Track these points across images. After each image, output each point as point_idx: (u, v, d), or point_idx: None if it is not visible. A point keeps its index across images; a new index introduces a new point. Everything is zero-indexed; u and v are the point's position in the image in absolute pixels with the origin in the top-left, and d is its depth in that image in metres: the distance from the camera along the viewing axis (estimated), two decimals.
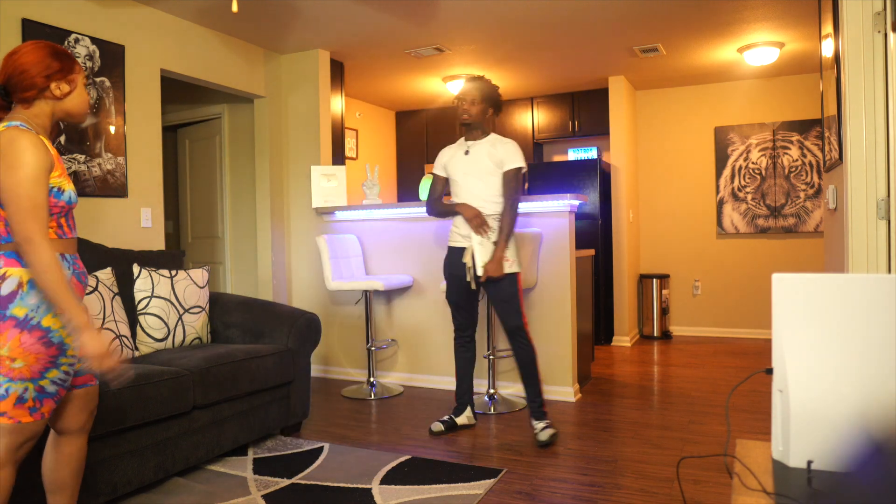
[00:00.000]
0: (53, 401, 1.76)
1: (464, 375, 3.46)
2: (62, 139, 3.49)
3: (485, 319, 4.23)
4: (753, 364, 4.98)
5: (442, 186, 3.42)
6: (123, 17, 3.85)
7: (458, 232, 3.28)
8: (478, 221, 3.15)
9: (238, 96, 5.04)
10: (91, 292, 2.84)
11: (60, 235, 1.78)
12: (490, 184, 3.21)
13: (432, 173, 3.44)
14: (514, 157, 3.20)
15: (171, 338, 3.19)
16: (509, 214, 3.18)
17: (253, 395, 3.08)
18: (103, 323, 2.85)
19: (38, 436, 1.77)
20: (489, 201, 3.21)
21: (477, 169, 3.22)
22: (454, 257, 3.30)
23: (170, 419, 2.65)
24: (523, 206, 4.08)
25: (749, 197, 6.19)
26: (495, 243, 3.16)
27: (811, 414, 1.18)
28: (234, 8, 3.04)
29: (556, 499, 2.52)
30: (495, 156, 3.21)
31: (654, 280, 6.26)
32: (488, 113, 3.31)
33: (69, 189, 1.79)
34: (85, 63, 3.61)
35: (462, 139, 3.38)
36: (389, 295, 4.60)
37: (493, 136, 3.30)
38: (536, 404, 3.25)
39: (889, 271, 2.38)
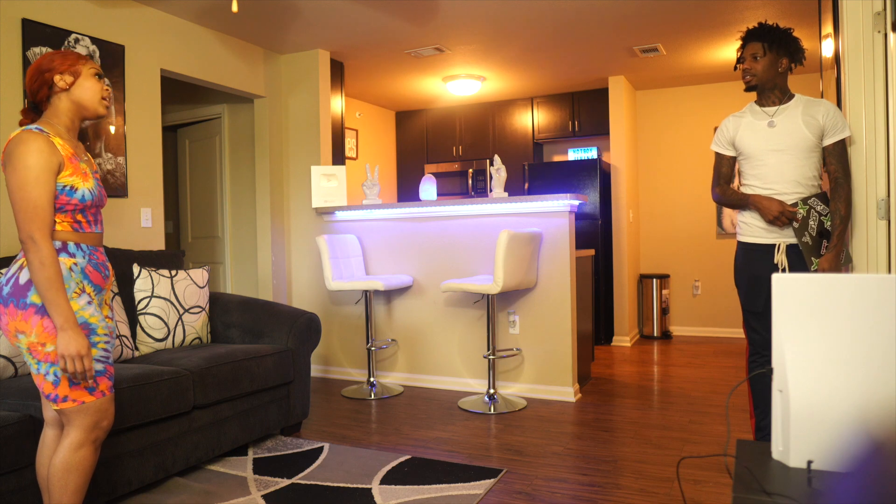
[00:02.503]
0: (107, 378, 1.87)
1: (769, 408, 2.48)
2: None
3: (485, 319, 4.23)
4: None
5: (729, 168, 2.71)
6: (123, 17, 3.85)
7: (760, 225, 2.59)
8: (784, 221, 2.50)
9: (238, 96, 5.03)
10: None
11: (76, 229, 1.87)
12: (809, 162, 2.50)
13: (715, 151, 2.75)
14: (842, 124, 2.47)
15: (171, 338, 3.19)
16: (848, 195, 2.46)
17: (253, 395, 3.08)
18: None
19: (109, 414, 1.89)
20: (806, 184, 2.51)
21: (790, 144, 2.50)
22: (758, 256, 2.60)
23: (170, 419, 2.65)
24: (522, 206, 4.08)
25: None
26: (820, 234, 2.49)
27: (811, 414, 1.18)
28: (234, 8, 3.04)
29: (556, 499, 2.52)
30: (815, 124, 2.48)
31: (654, 280, 6.25)
32: (782, 65, 2.55)
33: (83, 187, 1.85)
34: None
35: (753, 106, 2.65)
36: (389, 295, 4.60)
37: (798, 97, 2.57)
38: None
39: (889, 271, 2.38)
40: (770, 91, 2.58)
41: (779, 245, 2.56)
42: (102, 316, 1.90)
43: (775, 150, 2.53)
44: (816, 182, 2.54)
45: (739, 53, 2.63)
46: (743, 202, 2.62)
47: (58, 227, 1.82)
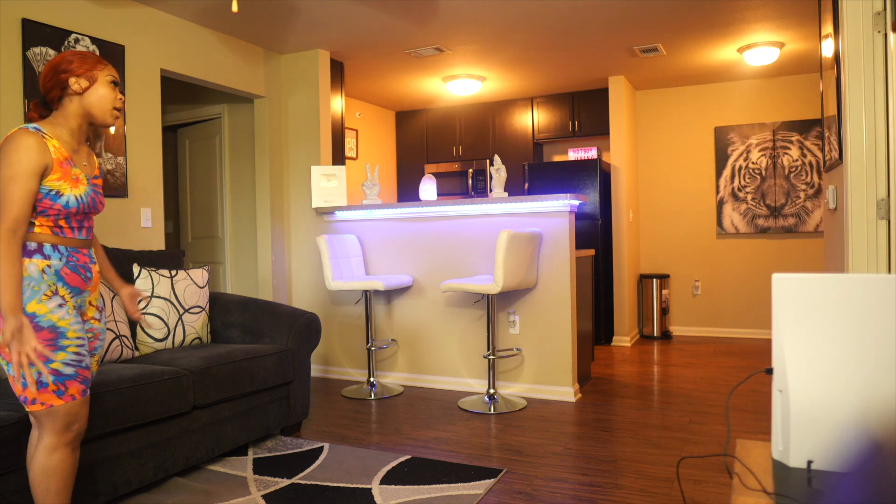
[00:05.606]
0: (78, 381, 1.83)
1: None
2: None
3: (485, 319, 4.24)
4: (753, 364, 4.97)
5: None
6: (123, 17, 3.85)
7: None
8: None
9: (238, 96, 5.03)
10: None
11: (56, 234, 1.83)
12: None
13: None
14: None
15: (171, 338, 3.19)
16: None
17: (253, 395, 3.08)
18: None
19: (80, 418, 1.86)
20: None
21: None
22: None
23: (170, 419, 2.65)
24: (522, 206, 4.09)
25: (749, 197, 6.19)
26: None
27: (811, 414, 1.18)
28: (234, 8, 3.04)
29: (556, 499, 2.52)
30: None
31: (654, 280, 6.25)
32: None
33: (69, 193, 1.82)
34: None
35: None
36: (389, 295, 4.60)
37: None
38: None
39: (889, 271, 2.38)
40: None
41: None
42: (78, 319, 1.84)
43: None
44: None
45: None
46: None
47: (37, 230, 1.79)
